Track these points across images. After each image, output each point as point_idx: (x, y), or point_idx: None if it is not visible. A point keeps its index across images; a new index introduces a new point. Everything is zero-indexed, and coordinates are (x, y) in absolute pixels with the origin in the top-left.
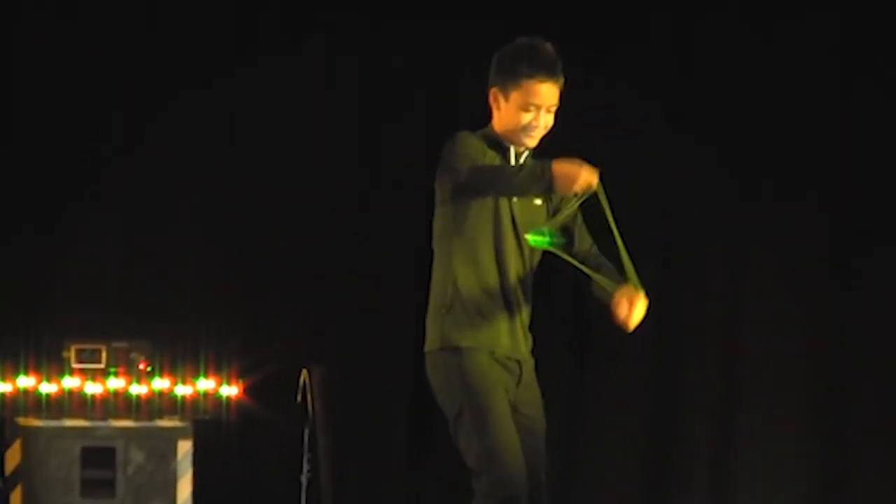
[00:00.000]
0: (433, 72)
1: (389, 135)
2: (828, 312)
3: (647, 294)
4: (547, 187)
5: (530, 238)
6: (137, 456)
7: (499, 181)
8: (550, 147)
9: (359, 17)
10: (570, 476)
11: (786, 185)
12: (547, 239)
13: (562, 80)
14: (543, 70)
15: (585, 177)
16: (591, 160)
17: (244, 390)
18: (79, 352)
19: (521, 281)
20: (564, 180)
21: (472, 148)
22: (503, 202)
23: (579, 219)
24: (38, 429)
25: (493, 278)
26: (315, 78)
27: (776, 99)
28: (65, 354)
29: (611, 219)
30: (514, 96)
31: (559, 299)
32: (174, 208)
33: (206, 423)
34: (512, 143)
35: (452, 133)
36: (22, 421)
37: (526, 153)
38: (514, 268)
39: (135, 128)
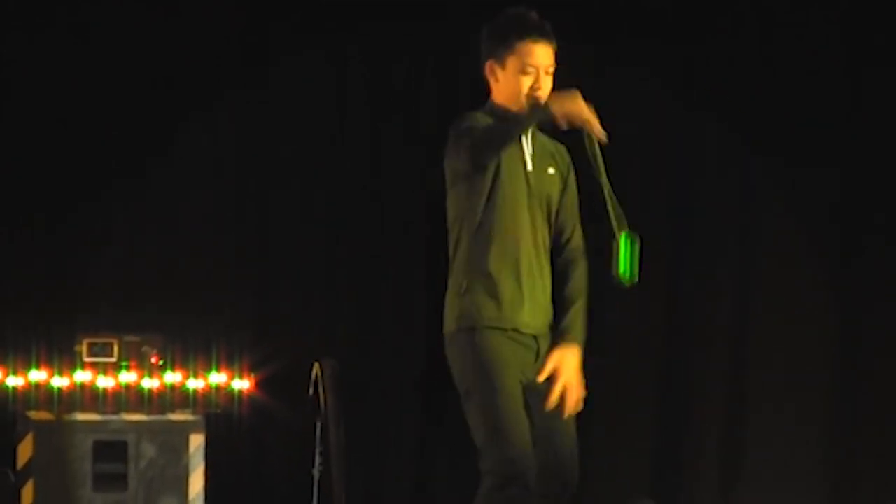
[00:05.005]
0: (436, 67)
1: (396, 129)
2: (839, 304)
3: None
4: (547, 115)
5: None
6: (149, 450)
7: (507, 129)
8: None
9: (366, 25)
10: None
11: (796, 173)
12: None
13: (554, 42)
14: (534, 31)
15: (580, 104)
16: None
17: (256, 384)
18: (91, 346)
19: (538, 255)
20: (560, 103)
21: (479, 122)
22: (517, 176)
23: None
24: (50, 423)
25: (507, 256)
26: (323, 81)
27: (788, 81)
28: (77, 348)
29: (600, 164)
30: (511, 62)
31: None
32: (185, 204)
33: (218, 416)
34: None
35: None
36: (34, 415)
37: (533, 129)
38: (529, 242)
39: (146, 128)
